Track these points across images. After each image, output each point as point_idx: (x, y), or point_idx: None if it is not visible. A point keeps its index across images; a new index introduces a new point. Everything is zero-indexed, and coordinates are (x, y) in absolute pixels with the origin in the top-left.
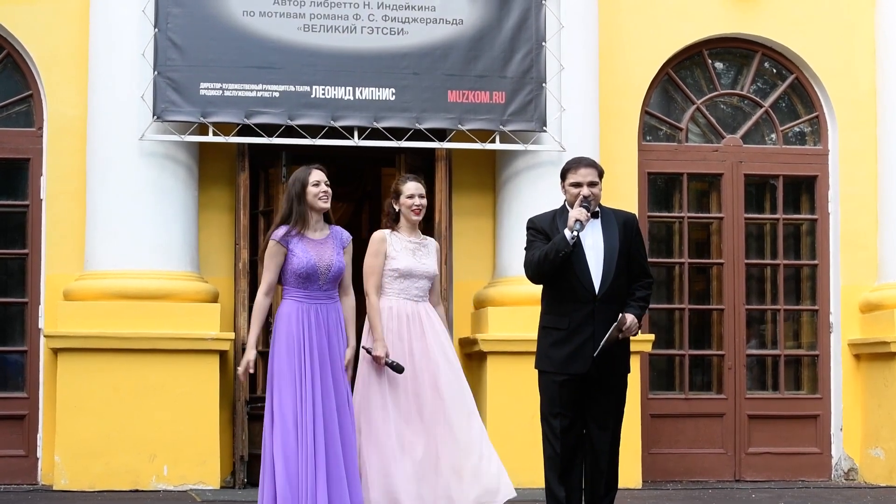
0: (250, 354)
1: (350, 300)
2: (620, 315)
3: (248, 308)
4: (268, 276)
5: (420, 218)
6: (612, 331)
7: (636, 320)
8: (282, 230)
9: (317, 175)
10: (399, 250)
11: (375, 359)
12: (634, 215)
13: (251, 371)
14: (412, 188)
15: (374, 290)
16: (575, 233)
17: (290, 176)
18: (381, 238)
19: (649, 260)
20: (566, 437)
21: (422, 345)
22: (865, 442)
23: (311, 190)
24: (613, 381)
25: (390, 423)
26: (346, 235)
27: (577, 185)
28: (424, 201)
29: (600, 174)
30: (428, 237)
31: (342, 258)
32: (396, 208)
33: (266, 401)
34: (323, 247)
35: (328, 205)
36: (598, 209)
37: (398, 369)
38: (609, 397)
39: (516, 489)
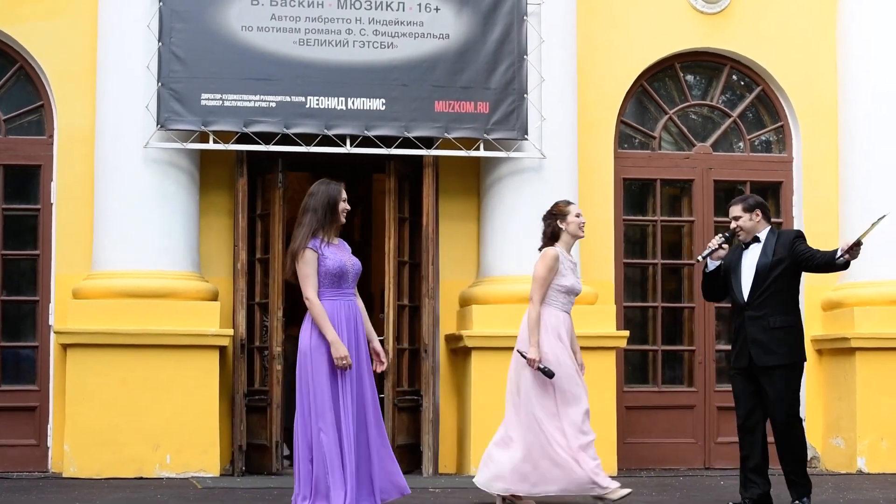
0: (343, 349)
1: (359, 299)
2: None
3: (245, 306)
4: (312, 281)
5: (583, 236)
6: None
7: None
8: (313, 239)
9: (344, 192)
10: (567, 268)
11: (529, 361)
12: (789, 231)
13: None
14: (577, 209)
15: (539, 300)
16: (700, 259)
17: (286, 181)
18: (555, 255)
19: (624, 261)
20: None
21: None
22: (827, 432)
23: (341, 206)
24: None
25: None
26: (346, 245)
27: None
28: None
29: (745, 209)
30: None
31: (357, 260)
32: (562, 227)
33: (301, 393)
34: (342, 250)
35: (344, 220)
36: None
37: (549, 374)
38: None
39: None
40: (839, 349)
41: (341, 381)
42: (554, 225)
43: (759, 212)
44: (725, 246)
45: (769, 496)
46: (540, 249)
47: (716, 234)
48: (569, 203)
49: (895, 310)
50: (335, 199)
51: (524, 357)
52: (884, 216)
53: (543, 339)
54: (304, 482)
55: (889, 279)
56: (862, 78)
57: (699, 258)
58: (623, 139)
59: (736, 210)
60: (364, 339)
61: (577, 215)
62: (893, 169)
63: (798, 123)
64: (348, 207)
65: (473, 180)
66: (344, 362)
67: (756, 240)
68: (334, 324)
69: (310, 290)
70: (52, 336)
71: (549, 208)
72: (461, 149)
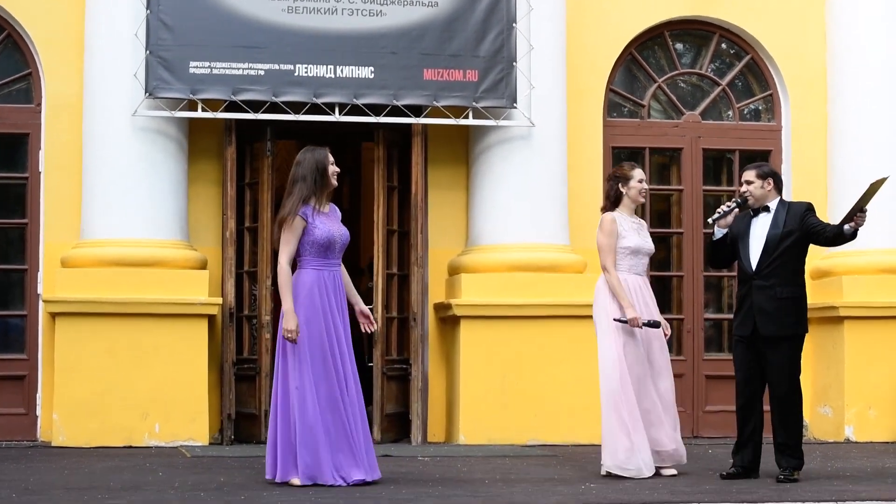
0: (294, 321)
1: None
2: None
3: (234, 275)
4: (289, 248)
5: (644, 200)
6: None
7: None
8: (305, 207)
9: (330, 156)
10: (629, 229)
11: (632, 322)
12: (800, 203)
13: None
14: (641, 174)
15: (612, 266)
16: (710, 221)
17: (274, 150)
18: (612, 220)
19: None
20: None
21: (654, 312)
22: (815, 400)
23: (330, 169)
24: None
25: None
26: (338, 211)
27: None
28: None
29: (759, 175)
30: (638, 218)
31: (346, 229)
32: (623, 191)
33: (281, 361)
34: (333, 219)
35: (336, 184)
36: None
37: (656, 325)
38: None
39: (488, 445)
40: (828, 318)
41: (334, 353)
42: (616, 188)
43: (771, 181)
44: (737, 210)
45: (758, 464)
46: (602, 211)
47: (704, 202)
48: (634, 167)
49: (883, 278)
50: (323, 164)
51: (623, 322)
52: (886, 178)
53: (610, 301)
54: (285, 454)
55: (877, 248)
56: (851, 46)
57: (710, 220)
58: (612, 107)
59: (749, 175)
60: (346, 312)
61: (640, 181)
62: (882, 137)
63: (787, 92)
64: (338, 170)
65: (462, 149)
66: (290, 335)
67: (766, 209)
68: (318, 293)
69: (283, 256)
70: (41, 305)
71: (613, 169)
72: (450, 117)
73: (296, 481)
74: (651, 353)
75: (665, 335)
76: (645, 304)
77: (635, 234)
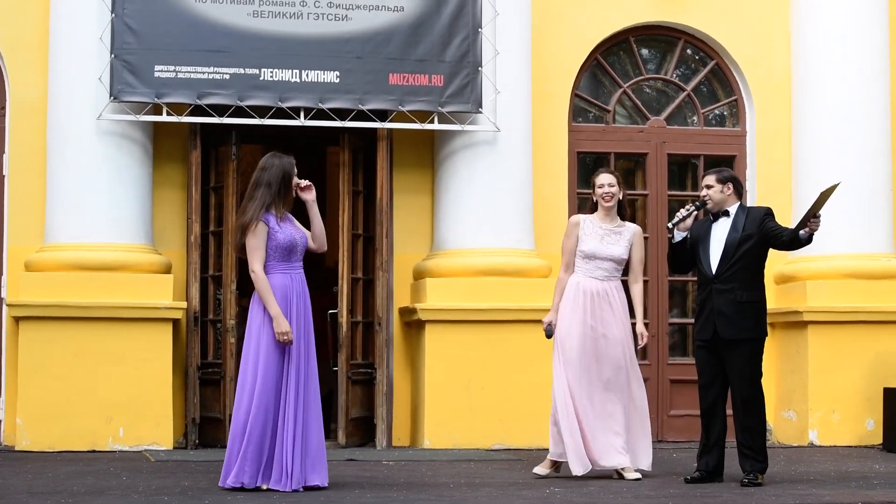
0: (286, 324)
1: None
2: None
3: (199, 279)
4: (260, 254)
5: (610, 205)
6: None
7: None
8: (266, 213)
9: (294, 167)
10: (592, 234)
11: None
12: (759, 208)
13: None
14: (603, 178)
15: (564, 268)
16: (670, 225)
17: (239, 154)
18: (573, 222)
19: None
20: None
21: (609, 318)
22: (779, 405)
23: (294, 180)
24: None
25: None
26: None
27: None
28: (613, 189)
29: (719, 179)
30: (626, 225)
31: (305, 234)
32: (594, 196)
33: (244, 364)
34: (292, 224)
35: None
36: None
37: (547, 334)
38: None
39: (453, 449)
40: (791, 322)
41: (288, 359)
42: (592, 193)
43: (730, 185)
44: (697, 214)
45: (721, 468)
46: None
47: (669, 207)
48: (600, 172)
49: (847, 283)
50: (289, 174)
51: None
52: (837, 184)
53: (558, 303)
54: (239, 459)
55: (841, 253)
56: (815, 53)
57: (669, 226)
58: (577, 113)
59: (709, 179)
60: (310, 316)
61: (601, 185)
62: (845, 143)
63: (752, 98)
64: (301, 183)
65: (428, 153)
66: (285, 338)
67: (725, 214)
68: (286, 297)
69: (256, 262)
70: (5, 309)
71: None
72: (415, 122)
73: (264, 486)
74: (606, 362)
75: (641, 343)
76: (600, 310)
77: (596, 240)
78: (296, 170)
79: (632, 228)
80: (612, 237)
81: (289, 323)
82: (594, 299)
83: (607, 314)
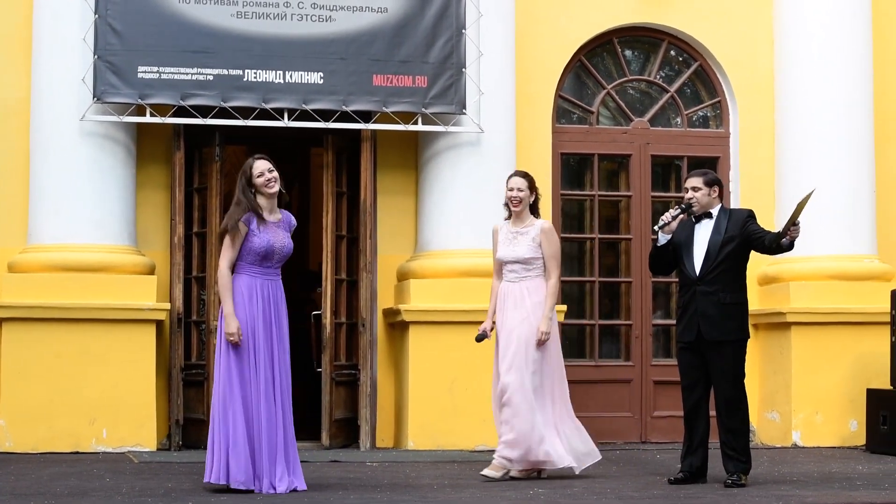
0: (235, 324)
1: None
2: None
3: (182, 280)
4: (230, 254)
5: (518, 209)
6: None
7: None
8: (249, 214)
9: (259, 166)
10: (501, 240)
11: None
12: (741, 210)
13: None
14: (511, 182)
15: (495, 276)
16: (656, 228)
17: (223, 155)
18: (493, 230)
19: (561, 235)
20: None
21: (517, 315)
22: (762, 406)
23: (257, 181)
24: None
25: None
26: (293, 221)
27: (686, 189)
28: (522, 194)
29: (705, 182)
30: (534, 223)
31: (291, 241)
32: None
33: (217, 366)
34: (277, 229)
35: (276, 189)
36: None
37: (478, 338)
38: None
39: (436, 451)
40: (775, 323)
41: (255, 363)
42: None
43: (717, 188)
44: (683, 216)
45: (705, 469)
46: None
47: (653, 208)
48: (511, 175)
49: (830, 284)
50: (249, 176)
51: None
52: (812, 192)
53: (492, 311)
54: (214, 459)
55: (824, 254)
56: (798, 54)
57: (655, 228)
58: (561, 114)
59: (696, 182)
60: (285, 321)
61: (510, 189)
62: (828, 144)
63: (735, 99)
64: (272, 177)
65: (411, 154)
66: (232, 339)
67: (708, 216)
68: (249, 299)
69: (224, 260)
70: None
71: None
72: (399, 123)
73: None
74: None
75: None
76: (513, 309)
77: (505, 245)
78: (259, 167)
79: (538, 225)
80: (518, 238)
81: (242, 324)
82: (506, 301)
83: (510, 311)
